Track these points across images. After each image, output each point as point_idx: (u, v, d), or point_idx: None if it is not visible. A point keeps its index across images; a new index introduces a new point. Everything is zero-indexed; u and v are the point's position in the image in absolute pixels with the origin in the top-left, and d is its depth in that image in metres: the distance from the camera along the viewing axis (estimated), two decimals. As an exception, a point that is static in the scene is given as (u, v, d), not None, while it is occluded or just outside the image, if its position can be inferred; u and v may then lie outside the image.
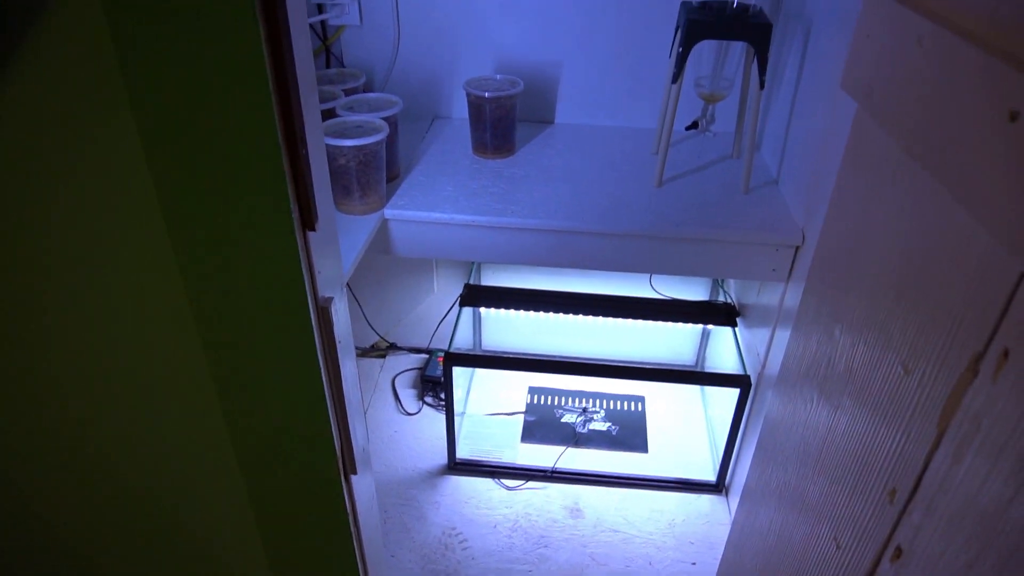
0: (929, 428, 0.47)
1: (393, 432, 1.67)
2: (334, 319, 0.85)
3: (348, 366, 0.92)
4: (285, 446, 0.92)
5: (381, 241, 1.23)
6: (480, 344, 1.84)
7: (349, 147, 1.10)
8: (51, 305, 0.81)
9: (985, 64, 0.39)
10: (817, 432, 0.70)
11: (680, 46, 1.15)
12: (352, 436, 0.96)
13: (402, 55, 1.49)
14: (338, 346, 0.87)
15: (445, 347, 1.44)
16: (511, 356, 1.72)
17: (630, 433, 1.65)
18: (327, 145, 1.10)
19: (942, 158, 0.43)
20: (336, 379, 0.91)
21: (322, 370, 0.86)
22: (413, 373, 1.84)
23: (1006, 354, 0.40)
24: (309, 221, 0.75)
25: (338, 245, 0.88)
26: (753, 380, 1.36)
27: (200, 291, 0.79)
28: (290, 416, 0.89)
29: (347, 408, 0.94)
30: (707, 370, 1.73)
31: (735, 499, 1.44)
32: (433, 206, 1.21)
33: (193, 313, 0.81)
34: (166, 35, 0.61)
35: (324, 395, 0.86)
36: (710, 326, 1.57)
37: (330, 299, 0.84)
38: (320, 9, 1.40)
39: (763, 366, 1.33)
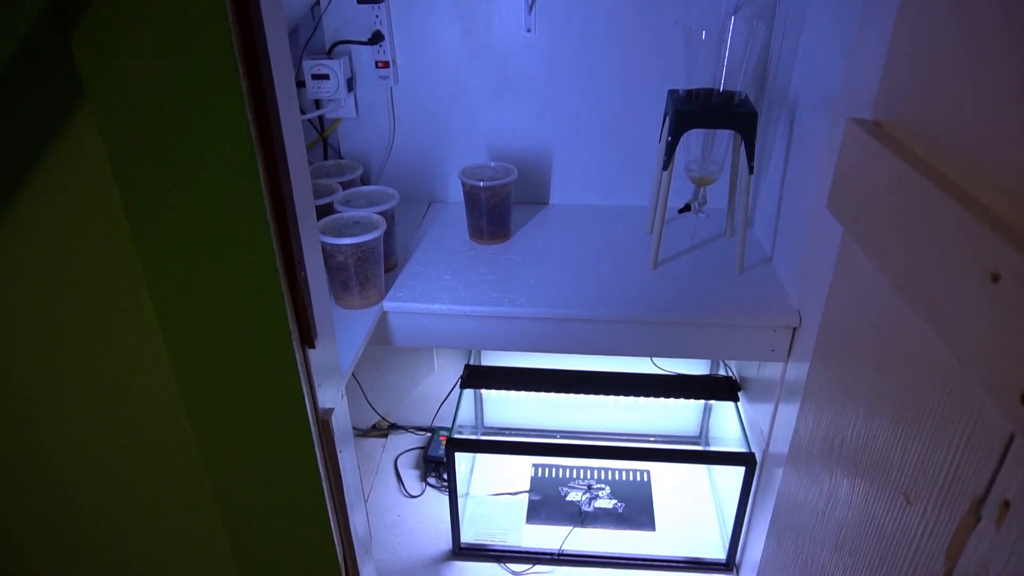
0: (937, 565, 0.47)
1: (396, 516, 1.65)
2: (335, 429, 0.85)
3: (348, 464, 0.91)
4: (286, 561, 0.90)
5: (381, 333, 1.23)
6: (482, 422, 1.83)
7: (347, 245, 1.11)
8: (62, 439, 0.82)
9: (965, 222, 0.40)
10: (833, 515, 0.69)
11: (669, 135, 1.18)
12: (353, 535, 0.95)
13: (398, 143, 1.52)
14: (339, 455, 0.87)
15: (447, 425, 1.43)
16: (513, 440, 1.70)
17: (636, 510, 1.62)
18: (325, 244, 1.11)
19: (928, 305, 0.43)
20: (337, 484, 0.90)
21: (323, 479, 0.85)
22: (415, 453, 1.82)
23: (1007, 504, 0.40)
24: (308, 339, 0.75)
25: (337, 356, 0.88)
26: (758, 456, 1.35)
27: (200, 409, 0.79)
28: (291, 529, 0.88)
29: (348, 511, 0.93)
30: (711, 443, 1.72)
31: (746, 579, 1.41)
32: (431, 297, 1.22)
33: (194, 430, 0.80)
34: (169, 180, 0.63)
35: (327, 508, 0.85)
36: (712, 401, 1.56)
37: (330, 411, 0.84)
38: (317, 104, 1.44)
39: (767, 443, 1.32)
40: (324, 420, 0.83)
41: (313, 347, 0.76)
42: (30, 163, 0.66)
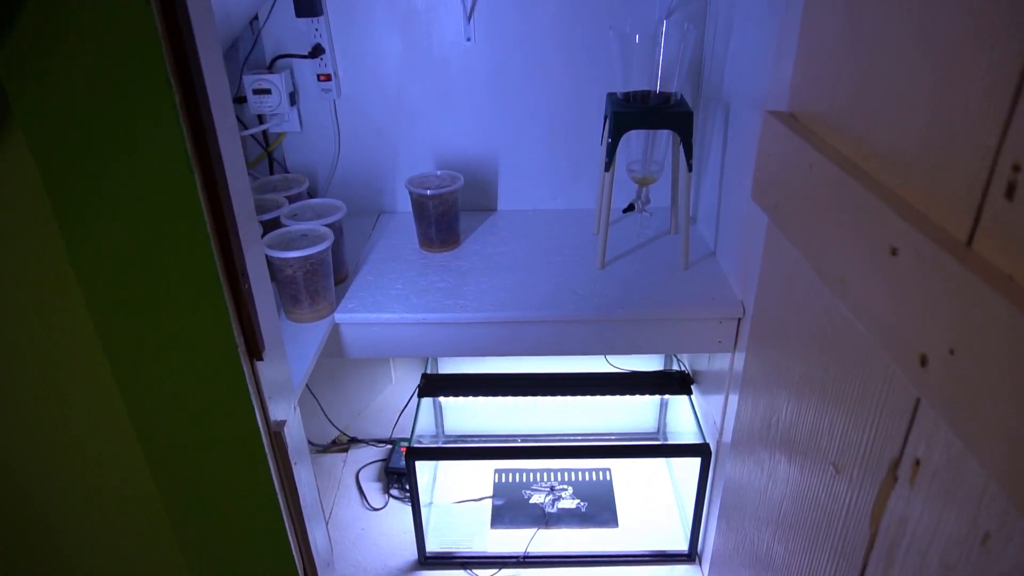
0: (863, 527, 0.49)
1: (360, 530, 1.64)
2: (287, 441, 0.85)
3: (304, 477, 0.91)
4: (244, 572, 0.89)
5: (333, 345, 1.23)
6: (443, 430, 1.83)
7: (295, 258, 1.11)
8: (9, 461, 0.80)
9: (867, 201, 0.43)
10: (773, 493, 0.72)
11: (609, 137, 1.21)
12: (313, 549, 0.95)
13: (344, 155, 1.53)
14: (293, 466, 0.87)
15: (407, 435, 1.43)
16: (474, 446, 1.71)
17: (599, 507, 1.64)
18: (273, 257, 1.11)
19: (840, 282, 0.46)
20: (294, 498, 0.90)
21: (278, 493, 0.85)
22: (377, 465, 1.81)
23: (918, 463, 0.42)
24: (256, 351, 0.75)
25: (288, 368, 0.88)
26: (713, 446, 1.38)
27: (149, 426, 0.78)
28: (248, 545, 0.88)
29: (306, 524, 0.93)
30: (669, 437, 1.75)
31: (707, 566, 1.44)
32: (383, 306, 1.22)
33: (142, 447, 0.80)
34: (103, 195, 0.63)
35: (283, 522, 0.85)
36: (667, 396, 1.60)
37: (283, 423, 0.84)
38: (261, 120, 1.43)
39: (720, 432, 1.35)
40: (276, 432, 0.82)
41: (261, 359, 0.76)
42: (-41, 186, 0.65)
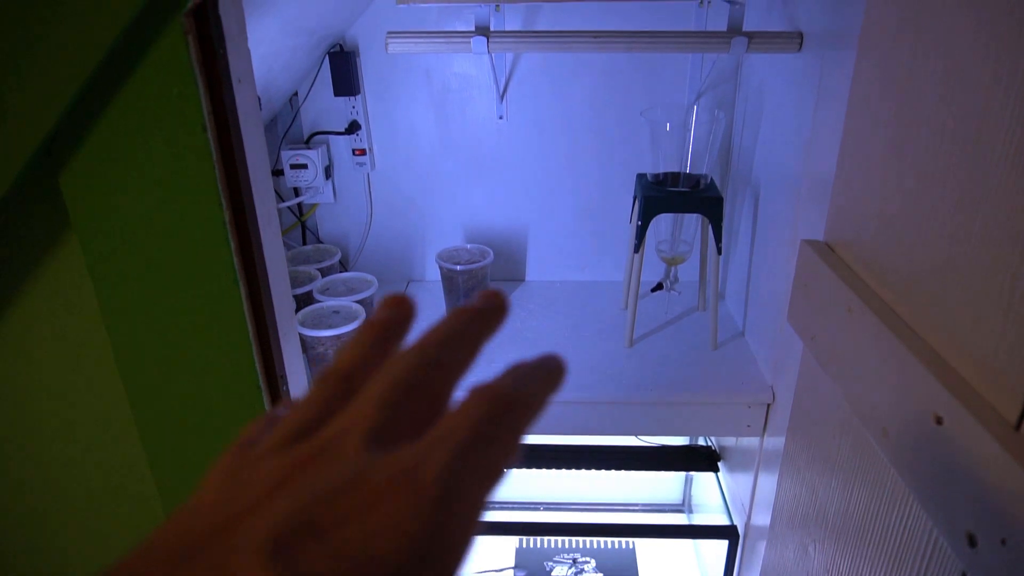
0: None
1: (380, 599, 1.62)
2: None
3: None
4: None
5: (361, 420, 1.24)
6: (465, 496, 1.82)
7: (327, 337, 1.13)
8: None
9: (910, 363, 0.43)
10: None
11: (639, 219, 1.22)
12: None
13: (375, 226, 1.56)
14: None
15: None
16: (497, 521, 1.69)
17: (623, 583, 1.61)
18: (305, 336, 1.13)
19: (884, 436, 0.46)
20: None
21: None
22: (398, 530, 1.80)
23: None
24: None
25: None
26: (740, 528, 1.36)
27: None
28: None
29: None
30: (695, 511, 1.72)
31: (735, 654, 1.40)
32: (412, 383, 1.23)
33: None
34: (151, 310, 0.65)
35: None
36: (693, 472, 1.58)
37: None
38: (296, 192, 1.47)
39: (749, 515, 1.33)
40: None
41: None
42: (19, 288, 0.67)
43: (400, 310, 0.28)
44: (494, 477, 0.21)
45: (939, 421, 0.40)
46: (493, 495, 0.21)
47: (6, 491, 0.79)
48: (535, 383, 0.24)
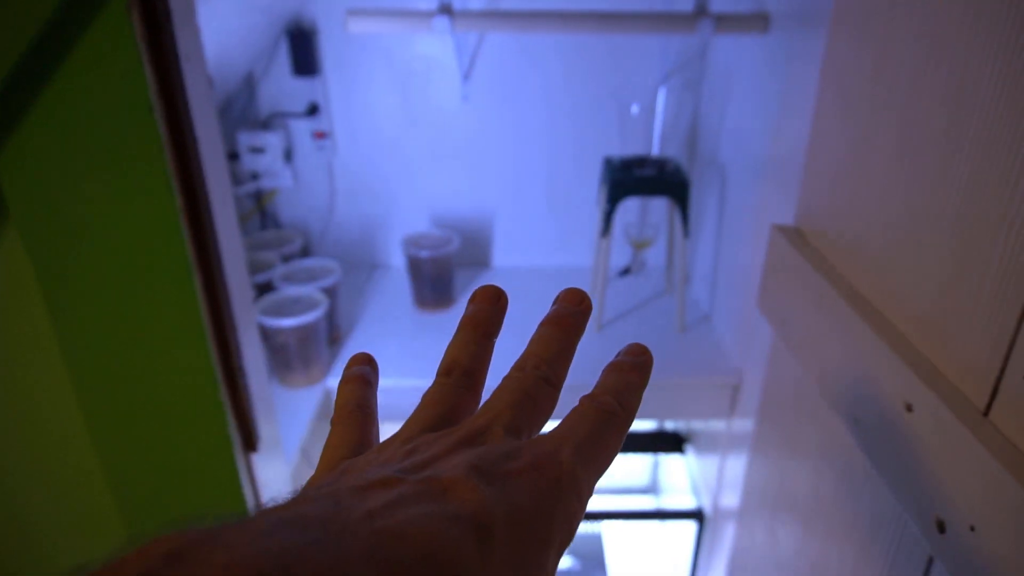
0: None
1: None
2: (281, 526, 0.83)
3: None
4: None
5: (327, 410, 1.21)
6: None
7: (288, 327, 1.10)
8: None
9: (881, 351, 0.42)
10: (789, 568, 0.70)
11: (606, 203, 1.21)
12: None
13: (338, 211, 1.52)
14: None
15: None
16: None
17: (591, 565, 1.62)
18: (266, 325, 1.10)
19: (856, 423, 0.46)
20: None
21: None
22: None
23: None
24: (251, 443, 0.74)
25: (282, 452, 0.86)
26: (708, 510, 1.37)
27: (139, 519, 0.76)
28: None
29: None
30: (662, 492, 1.74)
31: (702, 633, 1.42)
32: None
33: (129, 535, 0.78)
34: (99, 290, 0.62)
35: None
36: (660, 454, 1.59)
37: (276, 509, 0.82)
38: (254, 177, 1.43)
39: (716, 497, 1.34)
40: (270, 520, 0.81)
41: (256, 451, 0.75)
42: (-49, 282, 0.64)
43: (498, 304, 0.34)
44: (604, 468, 0.27)
45: (909, 408, 0.40)
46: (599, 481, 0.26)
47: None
48: (631, 388, 0.30)
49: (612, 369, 0.31)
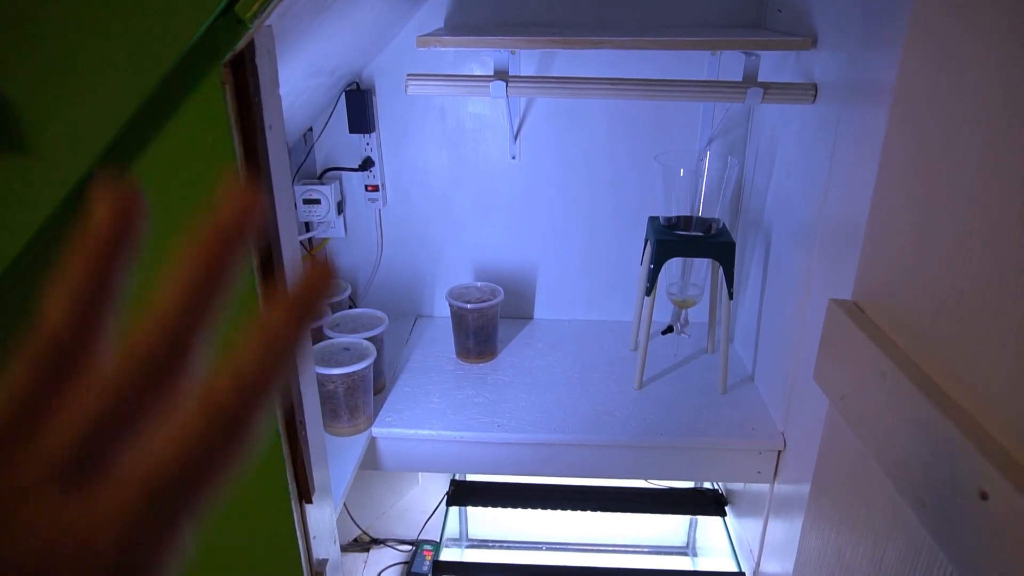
0: None
1: (379, 640, 1.59)
2: (327, 578, 0.84)
3: None
4: None
5: (370, 458, 1.23)
6: (467, 534, 1.80)
7: (338, 375, 1.12)
8: None
9: (951, 436, 0.43)
10: None
11: (651, 263, 1.23)
12: None
13: (385, 260, 1.56)
14: (331, 604, 0.85)
15: (430, 538, 1.40)
16: (502, 563, 1.67)
17: (626, 628, 1.58)
18: (316, 373, 1.12)
19: (920, 505, 0.46)
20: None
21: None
22: (398, 568, 1.77)
23: None
24: (307, 495, 0.75)
25: (333, 505, 0.88)
26: (749, 575, 1.34)
27: (194, 563, 0.77)
28: None
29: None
30: (699, 554, 1.70)
31: None
32: (420, 422, 1.22)
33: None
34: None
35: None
36: (699, 516, 1.56)
37: (325, 561, 0.83)
38: (308, 227, 1.47)
39: (758, 562, 1.32)
40: (319, 572, 0.82)
41: (311, 502, 0.76)
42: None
43: (127, 216, 0.20)
44: (205, 504, 0.18)
45: (984, 496, 0.40)
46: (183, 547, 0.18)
47: None
48: (273, 363, 0.19)
49: (256, 332, 0.20)
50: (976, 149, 0.46)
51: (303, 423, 0.72)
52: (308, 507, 0.77)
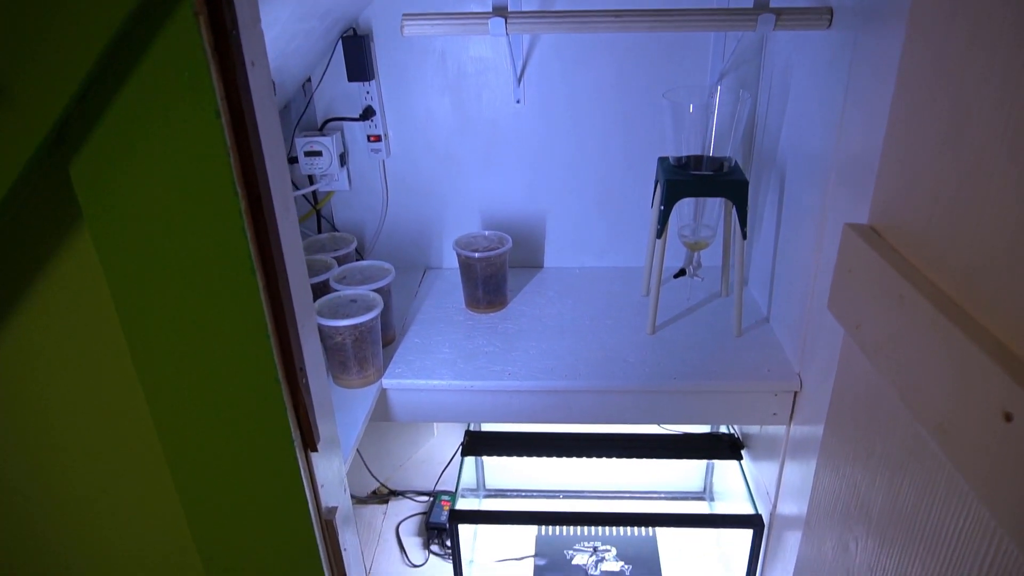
0: None
1: (400, 588, 1.62)
2: (338, 527, 0.84)
3: (350, 545, 0.89)
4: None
5: (381, 410, 1.22)
6: (484, 484, 1.81)
7: (345, 327, 1.11)
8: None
9: (974, 356, 0.40)
10: None
11: (662, 204, 1.19)
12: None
13: (391, 213, 1.53)
14: (343, 552, 0.85)
15: (448, 489, 1.41)
16: (518, 511, 1.68)
17: (644, 571, 1.60)
18: (323, 326, 1.11)
19: (939, 431, 0.43)
20: (340, 573, 0.88)
21: (326, 572, 0.83)
22: (417, 519, 1.79)
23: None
24: (311, 443, 0.75)
25: (340, 453, 0.87)
26: (765, 517, 1.33)
27: (202, 518, 0.77)
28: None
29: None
30: (716, 499, 1.70)
31: (760, 644, 1.38)
32: (430, 372, 1.21)
33: (195, 538, 0.79)
34: (166, 293, 0.63)
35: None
36: (715, 460, 1.55)
37: (334, 509, 0.83)
38: (311, 180, 1.45)
39: (775, 504, 1.31)
40: (328, 520, 0.81)
41: (316, 450, 0.76)
42: (29, 282, 0.66)
43: None
44: None
45: (1008, 418, 0.38)
46: None
47: (16, 494, 0.78)
48: None
49: None
50: (1000, 63, 0.42)
51: (303, 370, 0.71)
52: (314, 455, 0.76)
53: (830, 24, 1.01)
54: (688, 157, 1.23)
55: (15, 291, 0.66)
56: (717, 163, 1.21)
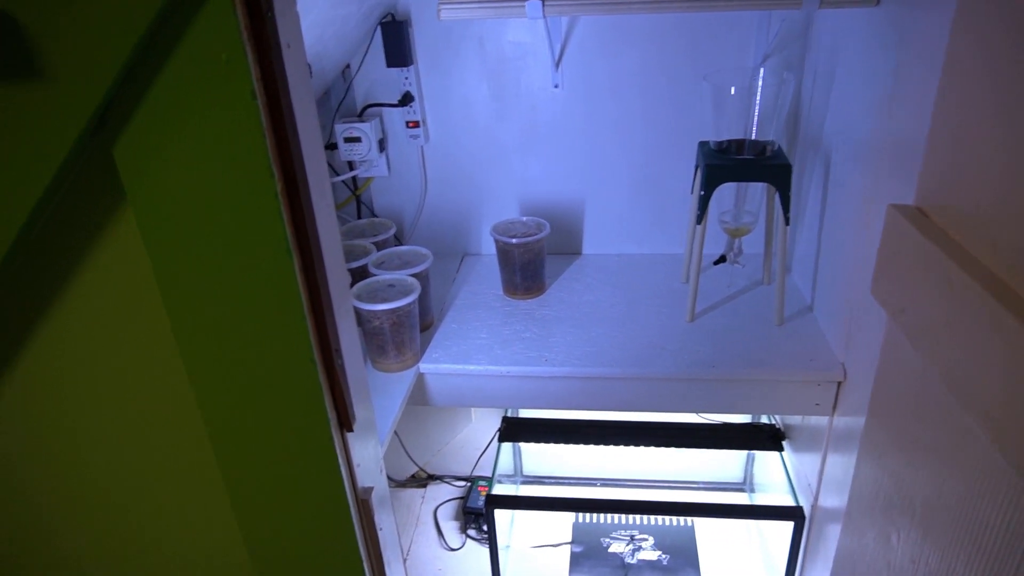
0: None
1: (437, 570, 1.63)
2: (374, 507, 0.85)
3: (386, 526, 0.90)
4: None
5: (418, 394, 1.23)
6: (521, 471, 1.81)
7: (383, 311, 1.12)
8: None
9: None
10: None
11: (702, 189, 1.17)
12: (396, 616, 0.94)
13: (430, 199, 1.54)
14: (379, 532, 0.86)
15: (486, 473, 1.42)
16: (554, 497, 1.68)
17: (682, 561, 1.58)
18: (361, 310, 1.12)
19: (986, 418, 0.42)
20: (377, 559, 0.89)
21: (363, 557, 0.85)
22: (454, 503, 1.81)
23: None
24: (347, 423, 0.75)
25: (376, 433, 0.88)
26: (807, 509, 1.31)
27: (242, 498, 0.79)
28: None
29: (385, 570, 0.92)
30: (756, 490, 1.68)
31: (799, 638, 1.36)
32: (468, 357, 1.21)
33: (236, 517, 0.81)
34: (207, 276, 0.64)
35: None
36: (756, 451, 1.53)
37: (370, 489, 0.84)
38: (351, 166, 1.46)
39: (816, 497, 1.28)
40: (364, 500, 0.82)
41: (351, 430, 0.76)
42: (73, 265, 0.67)
43: None
44: None
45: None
46: None
47: (54, 481, 0.81)
48: None
49: None
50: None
51: (339, 351, 0.71)
52: (349, 436, 0.77)
53: (878, 2, 0.97)
54: (729, 141, 1.20)
55: (60, 275, 0.68)
56: (759, 147, 1.18)
